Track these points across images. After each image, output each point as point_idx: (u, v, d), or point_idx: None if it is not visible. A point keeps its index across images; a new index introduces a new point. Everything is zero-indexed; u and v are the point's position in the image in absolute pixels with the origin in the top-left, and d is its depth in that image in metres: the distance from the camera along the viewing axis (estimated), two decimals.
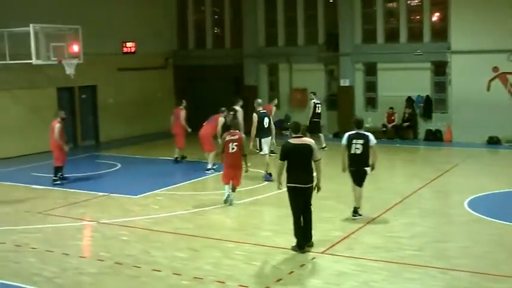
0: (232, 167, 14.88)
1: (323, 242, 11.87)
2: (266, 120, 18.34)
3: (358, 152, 13.15)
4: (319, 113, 23.60)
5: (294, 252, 11.35)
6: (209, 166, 19.27)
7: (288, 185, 11.34)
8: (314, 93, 24.18)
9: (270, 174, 17.61)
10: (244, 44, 29.50)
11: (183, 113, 21.24)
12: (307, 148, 11.30)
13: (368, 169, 13.35)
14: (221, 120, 19.16)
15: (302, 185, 11.26)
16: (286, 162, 11.36)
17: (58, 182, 18.24)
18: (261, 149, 18.20)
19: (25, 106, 23.89)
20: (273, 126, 18.70)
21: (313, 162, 11.37)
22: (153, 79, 29.67)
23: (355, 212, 13.56)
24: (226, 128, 17.57)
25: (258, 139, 18.14)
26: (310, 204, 11.53)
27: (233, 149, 14.74)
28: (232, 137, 14.81)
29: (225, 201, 14.98)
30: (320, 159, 11.46)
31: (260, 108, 18.61)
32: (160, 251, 11.76)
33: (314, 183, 11.44)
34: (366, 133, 13.39)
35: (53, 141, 18.16)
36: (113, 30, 26.64)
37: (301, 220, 11.41)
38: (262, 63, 29.49)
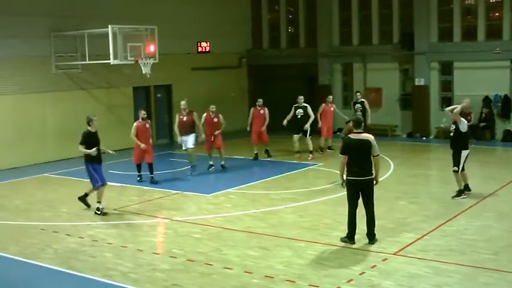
0: None
1: (395, 243, 11.76)
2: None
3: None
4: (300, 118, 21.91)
5: (349, 245, 11.74)
6: (222, 162, 20.22)
7: (348, 178, 11.77)
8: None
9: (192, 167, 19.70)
10: (318, 43, 29.40)
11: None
12: (366, 143, 11.66)
13: None
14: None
15: (360, 177, 11.61)
16: (346, 156, 11.78)
17: (154, 181, 18.38)
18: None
19: (103, 105, 24.51)
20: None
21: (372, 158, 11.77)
22: (227, 78, 29.92)
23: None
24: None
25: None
26: (372, 198, 11.81)
27: None
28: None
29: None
30: (378, 154, 11.79)
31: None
32: (232, 249, 11.87)
33: (372, 177, 11.80)
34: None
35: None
36: (187, 30, 27.04)
37: (356, 213, 11.81)
38: (336, 62, 29.35)
